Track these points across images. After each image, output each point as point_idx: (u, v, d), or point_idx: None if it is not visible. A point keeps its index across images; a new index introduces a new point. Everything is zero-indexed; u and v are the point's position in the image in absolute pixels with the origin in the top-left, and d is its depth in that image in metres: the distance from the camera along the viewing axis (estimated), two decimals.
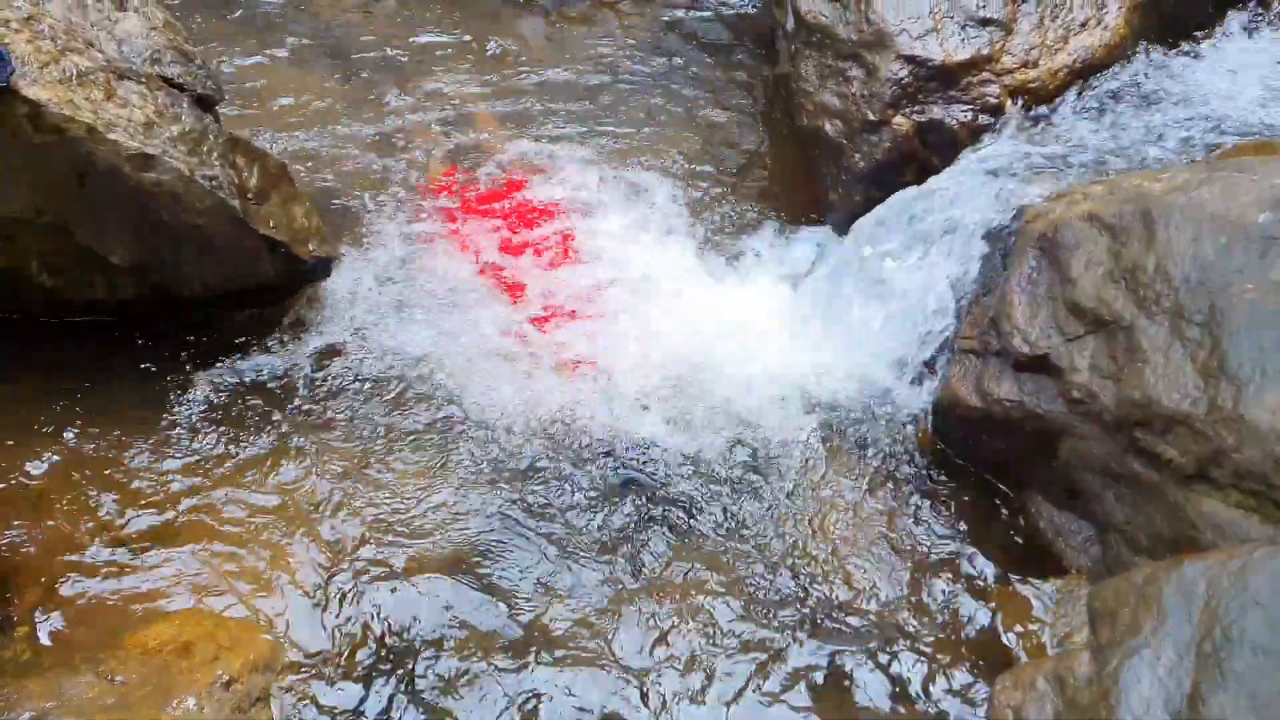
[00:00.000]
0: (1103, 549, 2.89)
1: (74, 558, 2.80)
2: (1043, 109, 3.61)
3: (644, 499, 3.17)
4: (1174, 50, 3.69)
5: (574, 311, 3.79)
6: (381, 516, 3.04)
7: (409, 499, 3.10)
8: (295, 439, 3.23)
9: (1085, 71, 3.62)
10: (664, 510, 3.15)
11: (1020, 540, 3.11)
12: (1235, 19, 3.82)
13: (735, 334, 3.74)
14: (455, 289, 3.82)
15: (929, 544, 3.10)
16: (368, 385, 3.43)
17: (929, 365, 3.45)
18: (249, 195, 3.25)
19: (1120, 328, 2.81)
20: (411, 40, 5.16)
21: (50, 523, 2.87)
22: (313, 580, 2.84)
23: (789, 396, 3.52)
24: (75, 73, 2.92)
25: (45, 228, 3.05)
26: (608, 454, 3.29)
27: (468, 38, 5.21)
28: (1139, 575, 2.40)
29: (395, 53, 5.03)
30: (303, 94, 4.66)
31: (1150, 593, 2.29)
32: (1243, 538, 2.47)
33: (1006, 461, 3.20)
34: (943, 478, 3.28)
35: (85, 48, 3.02)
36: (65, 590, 2.73)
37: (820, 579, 3.00)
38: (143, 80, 3.10)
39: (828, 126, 3.95)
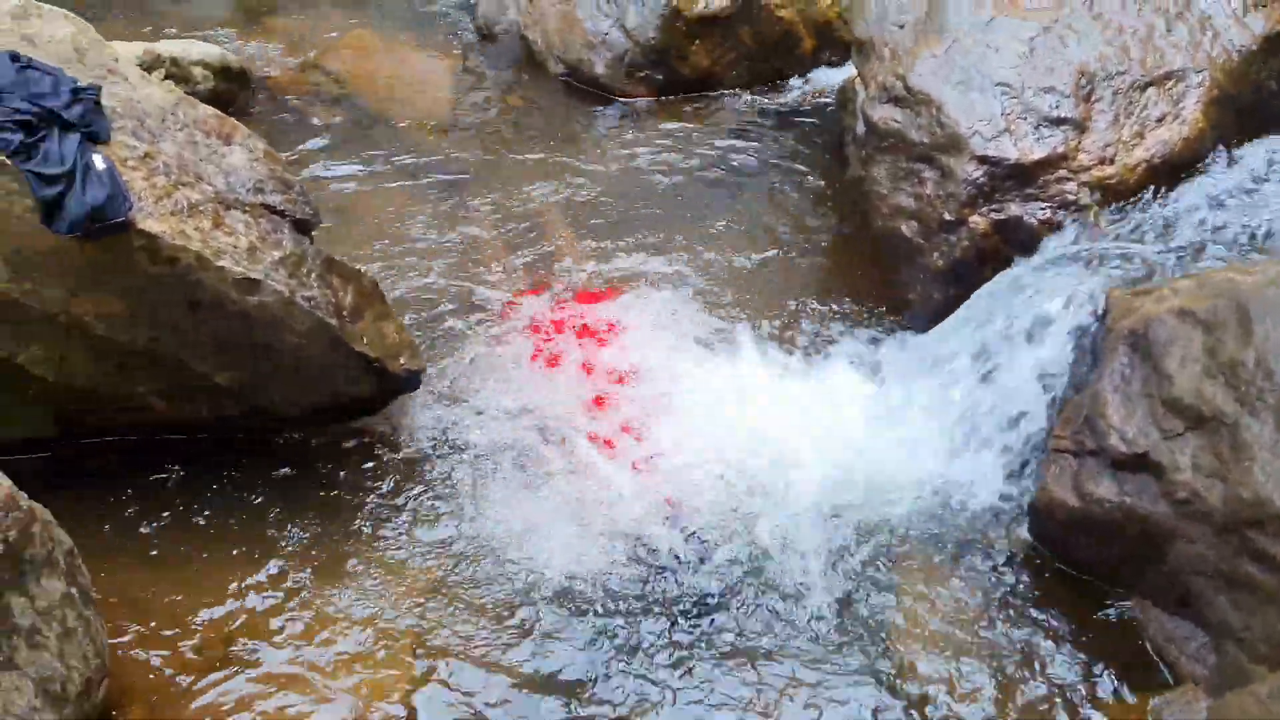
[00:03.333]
0: (1219, 657, 2.77)
1: (176, 676, 2.84)
2: (1123, 204, 3.59)
3: (728, 603, 3.14)
4: (1253, 144, 3.67)
5: (647, 418, 3.80)
6: (467, 635, 3.05)
7: (494, 620, 3.09)
8: (389, 550, 3.27)
9: (1164, 167, 3.61)
10: (749, 614, 3.11)
11: (1128, 648, 3.00)
12: None
13: (816, 435, 3.71)
14: (534, 399, 3.87)
15: (1031, 653, 2.99)
16: (453, 498, 3.46)
17: (1021, 465, 3.39)
18: (344, 314, 3.36)
19: (1223, 425, 2.75)
20: (486, 156, 5.37)
21: (156, 641, 2.92)
22: (410, 697, 2.84)
23: (874, 498, 3.47)
24: (186, 205, 3.09)
25: (156, 354, 3.18)
26: (690, 557, 3.27)
27: (540, 149, 5.40)
28: (1263, 688, 2.30)
29: (471, 169, 5.23)
30: (388, 211, 4.85)
31: (1278, 709, 2.18)
32: None
33: (1109, 564, 3.10)
34: (1042, 582, 3.19)
35: (195, 181, 3.20)
36: (167, 711, 2.77)
37: (917, 690, 2.91)
38: (247, 209, 3.26)
39: (904, 227, 3.98)
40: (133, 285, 3.03)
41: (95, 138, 3.00)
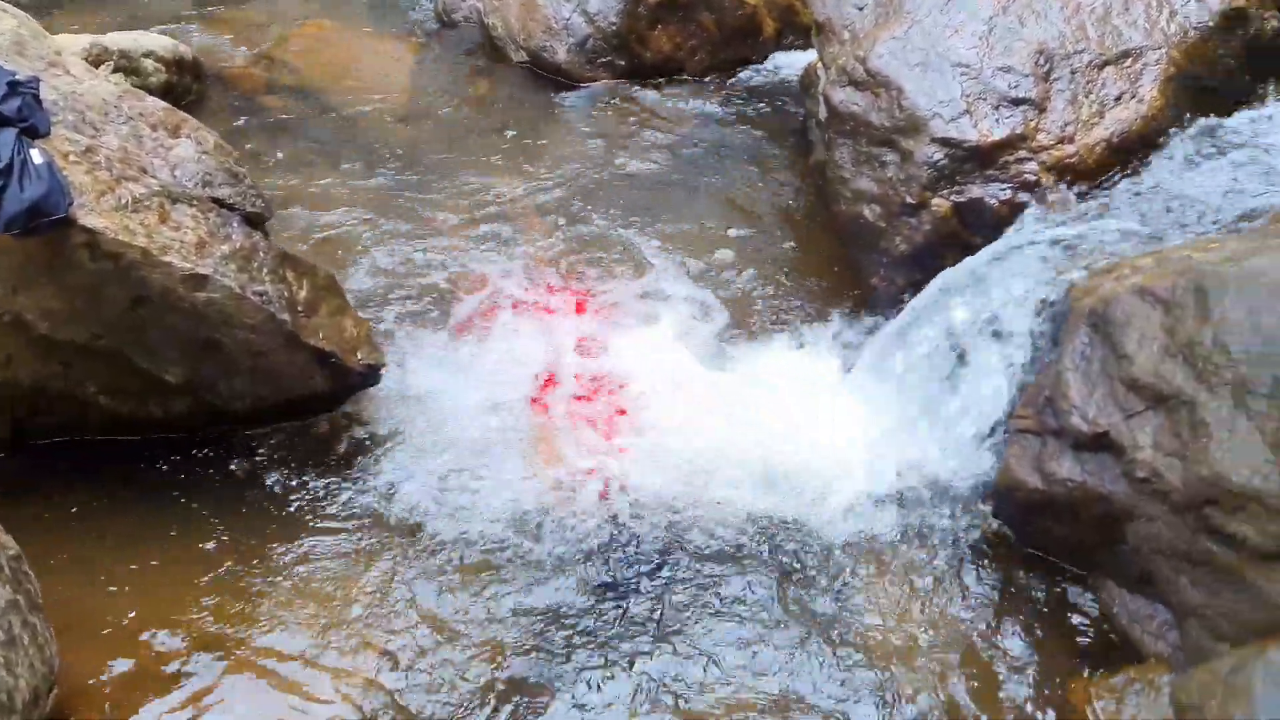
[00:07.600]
0: (1182, 635, 2.77)
1: (129, 686, 2.77)
2: (1083, 184, 3.59)
3: (687, 588, 3.11)
4: (1213, 121, 3.66)
5: (614, 405, 3.78)
6: (439, 632, 3.00)
7: (466, 612, 3.04)
8: (347, 547, 3.21)
9: (1124, 146, 3.60)
10: (709, 599, 3.08)
11: (1092, 627, 3.00)
12: (1274, 89, 3.80)
13: (781, 420, 3.70)
14: (498, 394, 3.82)
15: (995, 634, 2.99)
16: (417, 490, 3.41)
17: (985, 447, 3.38)
18: (299, 308, 3.30)
19: (1182, 403, 2.74)
20: (449, 143, 5.30)
21: (108, 650, 2.85)
22: (370, 703, 2.79)
23: (837, 483, 3.46)
24: (130, 199, 3.02)
25: (102, 352, 3.12)
26: (655, 546, 3.24)
27: (502, 138, 5.34)
28: (1224, 664, 2.30)
29: (432, 159, 5.16)
30: (345, 203, 4.77)
31: (1238, 683, 2.19)
32: None
33: (1072, 544, 3.10)
34: (1005, 563, 3.18)
35: (140, 175, 3.13)
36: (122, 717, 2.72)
37: (878, 673, 2.89)
38: (194, 203, 3.19)
39: (866, 211, 3.96)
40: (75, 282, 2.96)
41: (34, 132, 2.91)
